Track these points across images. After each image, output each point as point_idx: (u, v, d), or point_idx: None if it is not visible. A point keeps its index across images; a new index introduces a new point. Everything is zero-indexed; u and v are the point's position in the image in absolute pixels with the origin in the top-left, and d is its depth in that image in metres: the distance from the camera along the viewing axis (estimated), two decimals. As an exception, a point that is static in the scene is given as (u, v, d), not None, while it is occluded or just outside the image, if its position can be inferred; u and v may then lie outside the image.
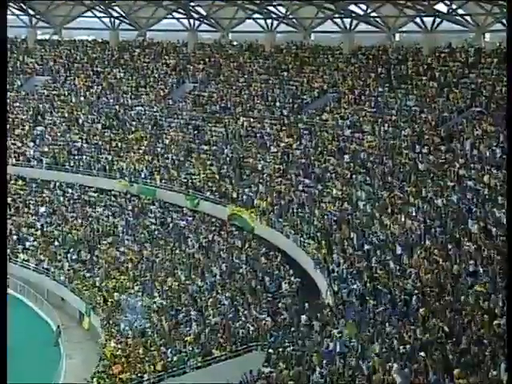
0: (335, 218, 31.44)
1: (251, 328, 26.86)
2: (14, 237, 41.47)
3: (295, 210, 34.13)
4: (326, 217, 32.06)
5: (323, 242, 29.91)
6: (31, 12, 53.03)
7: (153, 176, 41.88)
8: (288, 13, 46.02)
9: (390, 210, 29.23)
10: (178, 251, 35.92)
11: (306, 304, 26.67)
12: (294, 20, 46.66)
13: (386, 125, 36.43)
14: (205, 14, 49.36)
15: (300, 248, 31.67)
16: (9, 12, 52.73)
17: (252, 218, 35.43)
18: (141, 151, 43.93)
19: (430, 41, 41.37)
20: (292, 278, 30.39)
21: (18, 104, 50.24)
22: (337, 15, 44.59)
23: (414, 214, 27.79)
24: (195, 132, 43.83)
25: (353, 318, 22.25)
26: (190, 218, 38.55)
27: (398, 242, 26.37)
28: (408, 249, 25.32)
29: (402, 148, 33.80)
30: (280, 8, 46.26)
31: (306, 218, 33.09)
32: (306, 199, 34.50)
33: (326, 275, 27.52)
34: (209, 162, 41.04)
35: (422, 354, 17.63)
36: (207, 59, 48.97)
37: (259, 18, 47.80)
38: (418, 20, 41.79)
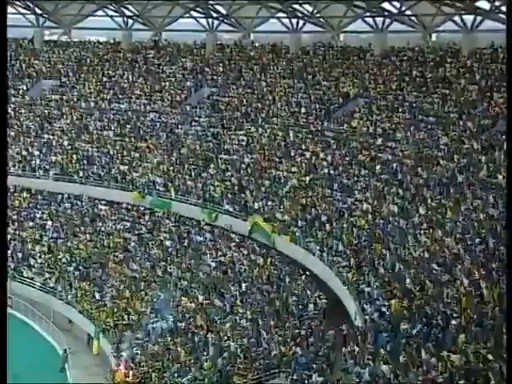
0: (365, 234, 31.43)
1: (274, 353, 26.89)
2: (19, 253, 41.90)
3: (322, 225, 34.18)
4: (355, 232, 32.05)
5: (352, 260, 29.91)
6: (38, 11, 53.85)
7: (168, 187, 42.19)
8: (315, 11, 46.27)
9: (425, 226, 29.16)
10: (194, 269, 36.11)
11: (334, 327, 26.65)
12: (321, 19, 46.90)
13: (422, 133, 36.41)
14: (225, 12, 49.82)
15: (327, 266, 31.69)
16: (14, 10, 53.93)
17: (273, 230, 35.56)
18: (155, 161, 44.30)
19: (470, 41, 41.36)
20: (318, 299, 30.39)
21: (23, 110, 50.93)
22: (368, 14, 44.75)
23: (452, 230, 27.70)
24: (213, 140, 44.14)
25: (385, 343, 22.21)
26: (208, 233, 38.76)
27: (434, 261, 26.29)
28: (446, 268, 25.23)
29: (438, 158, 33.74)
30: (306, 6, 46.52)
31: (333, 233, 33.11)
32: (333, 213, 34.54)
33: (356, 296, 27.50)
34: (228, 173, 41.28)
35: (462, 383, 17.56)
36: (227, 61, 49.37)
37: (283, 17, 48.13)
38: (456, 18, 41.79)
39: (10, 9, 53.81)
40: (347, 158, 37.87)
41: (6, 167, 30.65)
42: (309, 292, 31.06)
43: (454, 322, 21.23)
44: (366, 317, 25.28)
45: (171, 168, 43.37)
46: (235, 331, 29.57)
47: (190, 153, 43.95)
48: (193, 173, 42.42)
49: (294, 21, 47.53)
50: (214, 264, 36.03)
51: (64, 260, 40.68)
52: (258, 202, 38.12)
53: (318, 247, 33.00)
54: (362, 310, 26.26)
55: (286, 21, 48.00)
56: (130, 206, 42.61)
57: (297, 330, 28.05)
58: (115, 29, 53.76)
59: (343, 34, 47.60)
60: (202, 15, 50.32)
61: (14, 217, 44.24)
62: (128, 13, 52.50)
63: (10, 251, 42.22)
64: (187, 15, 51.32)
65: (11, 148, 47.89)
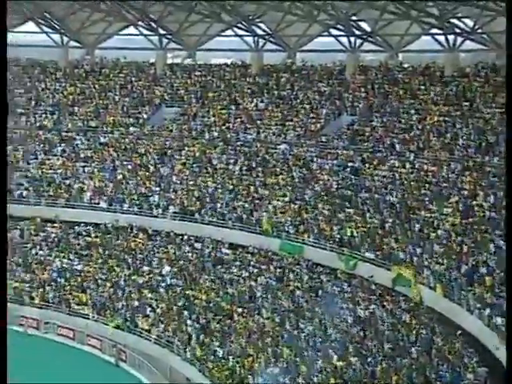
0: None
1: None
2: (134, 302, 43.22)
3: (481, 278, 33.22)
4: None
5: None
6: (162, 32, 56.10)
7: (299, 230, 42.42)
8: (476, 27, 45.52)
9: None
10: (329, 324, 35.99)
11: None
12: (483, 35, 46.05)
13: None
14: (369, 29, 49.95)
15: (488, 328, 30.74)
16: (137, 32, 56.60)
17: (421, 282, 34.97)
18: (285, 199, 44.74)
19: None
20: (477, 367, 29.52)
21: (142, 141, 52.75)
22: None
23: None
24: (353, 176, 44.09)
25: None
26: (345, 284, 38.60)
27: None
28: None
29: None
30: (466, 21, 45.81)
31: (495, 288, 32.07)
32: (496, 264, 33.50)
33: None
34: (369, 214, 41.05)
35: None
36: (370, 86, 49.40)
37: (438, 34, 47.70)
38: None
39: (132, 30, 56.93)
40: (513, 199, 36.74)
41: (6, 168, 32.45)
42: (466, 358, 30.23)
43: None
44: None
45: (304, 207, 43.62)
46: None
47: (326, 190, 44.08)
48: (328, 213, 42.47)
49: (451, 38, 46.96)
50: (351, 319, 35.79)
51: (182, 310, 41.58)
52: (405, 249, 37.61)
53: (476, 304, 32.07)
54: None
55: (441, 38, 47.53)
56: (256, 250, 43.14)
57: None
58: (244, 50, 55.03)
59: (510, 51, 46.50)
60: (343, 33, 50.66)
61: (130, 260, 45.88)
62: (259, 32, 53.66)
63: (124, 299, 43.83)
64: (326, 33, 51.85)
65: (128, 183, 50.01)
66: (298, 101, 50.93)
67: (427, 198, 39.97)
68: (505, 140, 27.57)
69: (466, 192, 39.00)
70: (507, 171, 24.02)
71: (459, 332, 32.18)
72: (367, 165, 44.26)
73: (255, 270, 42.16)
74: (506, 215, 23.79)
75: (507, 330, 17.07)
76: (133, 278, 44.74)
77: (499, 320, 30.12)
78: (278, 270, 41.46)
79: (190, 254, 45.00)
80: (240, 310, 39.88)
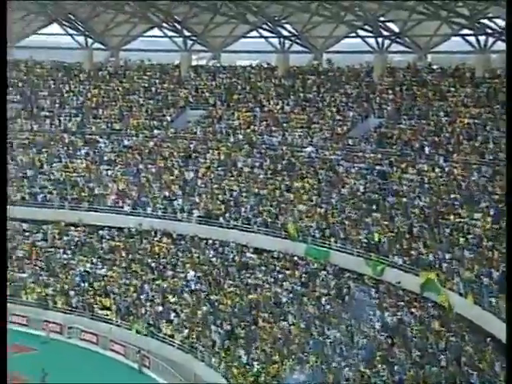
0: None
1: None
2: (158, 307, 43.20)
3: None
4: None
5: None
6: (186, 33, 56.19)
7: (326, 234, 42.21)
8: (508, 26, 45.15)
9: None
10: (355, 330, 35.75)
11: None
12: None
13: None
14: (397, 30, 49.68)
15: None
16: (161, 33, 56.77)
17: (450, 288, 34.66)
18: (311, 203, 44.55)
19: None
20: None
21: (166, 144, 52.78)
22: None
23: None
24: (380, 180, 43.83)
25: None
26: (373, 290, 38.33)
27: None
28: None
29: None
30: (497, 21, 45.44)
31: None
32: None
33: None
34: (397, 219, 40.74)
35: None
36: (398, 87, 49.14)
37: (468, 35, 47.35)
38: None
39: (156, 32, 57.18)
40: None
41: (6, 170, 32.70)
42: (497, 367, 29.85)
43: None
44: None
45: (330, 211, 43.40)
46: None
47: (352, 194, 43.85)
48: (355, 217, 42.21)
49: (482, 39, 46.61)
50: (378, 326, 35.54)
51: (207, 315, 41.49)
52: (433, 254, 37.28)
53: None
54: None
55: (471, 39, 47.15)
56: (281, 255, 42.99)
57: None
58: (270, 51, 55.00)
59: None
60: (371, 34, 50.41)
61: (153, 264, 45.89)
62: (285, 33, 53.58)
63: (148, 304, 43.84)
64: (353, 34, 51.64)
65: (152, 186, 50.03)
66: (325, 103, 50.79)
67: (457, 203, 39.64)
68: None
69: (496, 196, 38.61)
70: (507, 171, 23.77)
71: (490, 340, 31.85)
72: (395, 168, 44.00)
73: (280, 275, 42.00)
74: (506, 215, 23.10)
75: (507, 330, 16.62)
76: (157, 282, 44.77)
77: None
78: (304, 276, 41.28)
79: (214, 259, 44.93)
80: (265, 315, 39.73)
